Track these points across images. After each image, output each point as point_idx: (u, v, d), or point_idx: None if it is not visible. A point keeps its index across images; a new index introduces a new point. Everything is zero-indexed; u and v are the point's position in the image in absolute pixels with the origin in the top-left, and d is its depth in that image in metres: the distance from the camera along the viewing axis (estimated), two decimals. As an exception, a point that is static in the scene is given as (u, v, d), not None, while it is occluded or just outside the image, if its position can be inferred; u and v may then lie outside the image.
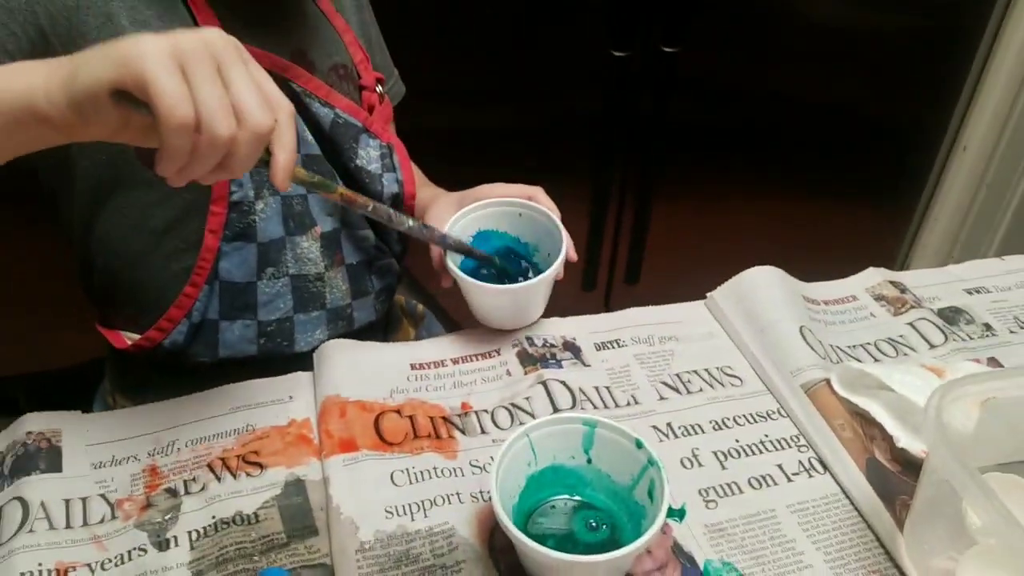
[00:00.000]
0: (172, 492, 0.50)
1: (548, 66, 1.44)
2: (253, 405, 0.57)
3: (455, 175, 0.78)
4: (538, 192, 0.66)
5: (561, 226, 0.62)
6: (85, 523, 0.48)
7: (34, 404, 0.83)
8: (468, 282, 0.60)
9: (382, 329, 0.78)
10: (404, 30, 0.80)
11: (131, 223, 0.61)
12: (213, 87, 0.39)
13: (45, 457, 0.51)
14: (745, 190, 1.68)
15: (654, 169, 1.59)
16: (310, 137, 0.65)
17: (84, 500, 0.50)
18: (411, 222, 0.58)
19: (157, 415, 0.56)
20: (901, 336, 0.66)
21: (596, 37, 1.41)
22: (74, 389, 0.82)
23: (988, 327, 0.68)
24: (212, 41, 0.40)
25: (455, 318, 0.90)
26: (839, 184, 1.70)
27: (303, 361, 0.65)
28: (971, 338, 0.66)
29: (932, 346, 0.65)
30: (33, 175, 0.67)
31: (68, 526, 0.48)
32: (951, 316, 0.68)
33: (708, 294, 0.69)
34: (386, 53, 0.78)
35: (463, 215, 0.64)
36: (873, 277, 0.72)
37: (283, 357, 0.66)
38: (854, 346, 0.65)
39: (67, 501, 0.49)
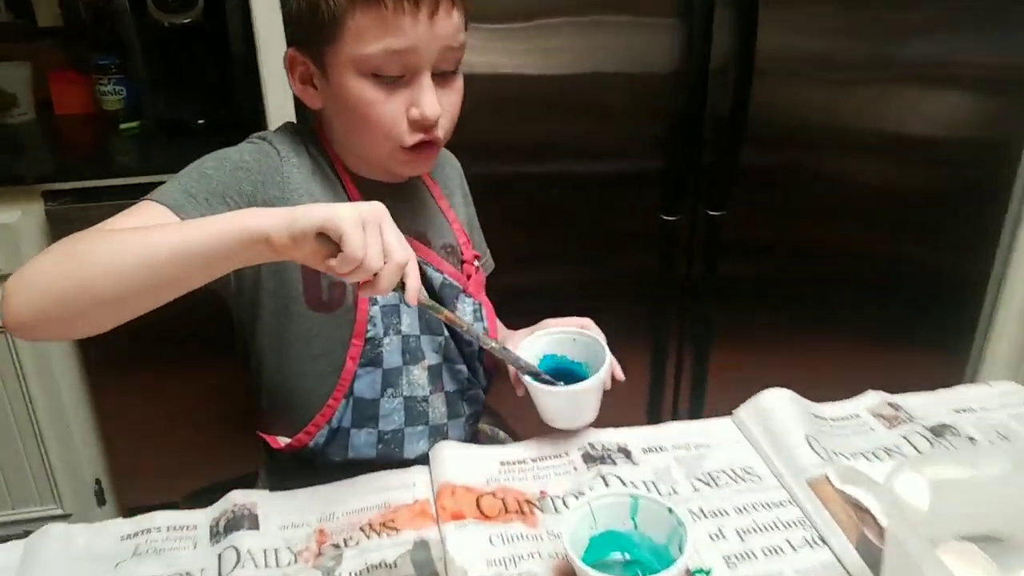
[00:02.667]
0: (336, 546, 0.72)
1: (609, 230, 1.69)
2: (388, 488, 0.79)
3: (531, 322, 1.02)
4: (588, 322, 0.90)
5: (606, 347, 0.85)
6: (277, 565, 0.70)
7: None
8: (534, 386, 0.83)
9: None
10: (494, 206, 1.08)
11: (296, 351, 0.87)
12: (376, 239, 0.66)
13: (248, 520, 0.74)
14: (798, 337, 1.85)
15: (708, 322, 1.79)
16: (424, 294, 0.91)
17: (275, 550, 0.72)
18: (493, 343, 0.83)
19: (322, 495, 0.79)
20: (895, 446, 0.84)
21: (650, 204, 1.67)
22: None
23: (971, 439, 0.85)
24: (377, 208, 0.68)
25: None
26: (889, 333, 1.86)
27: (408, 465, 0.87)
28: (955, 448, 0.84)
29: (920, 453, 0.83)
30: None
31: (266, 566, 0.70)
32: (939, 430, 0.86)
33: (733, 411, 0.89)
34: (482, 237, 1.05)
35: (530, 342, 0.88)
36: (873, 399, 0.91)
37: (394, 462, 0.88)
38: (855, 453, 0.83)
39: (264, 550, 0.71)
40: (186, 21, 1.67)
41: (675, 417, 1.87)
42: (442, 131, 0.83)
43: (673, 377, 1.83)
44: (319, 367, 0.87)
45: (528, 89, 1.49)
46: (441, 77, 0.81)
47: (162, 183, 0.80)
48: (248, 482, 1.00)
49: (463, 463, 0.81)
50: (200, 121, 1.77)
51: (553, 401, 0.84)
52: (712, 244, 1.70)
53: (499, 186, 1.52)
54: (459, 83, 0.84)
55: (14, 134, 1.87)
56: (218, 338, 1.69)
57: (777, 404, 0.86)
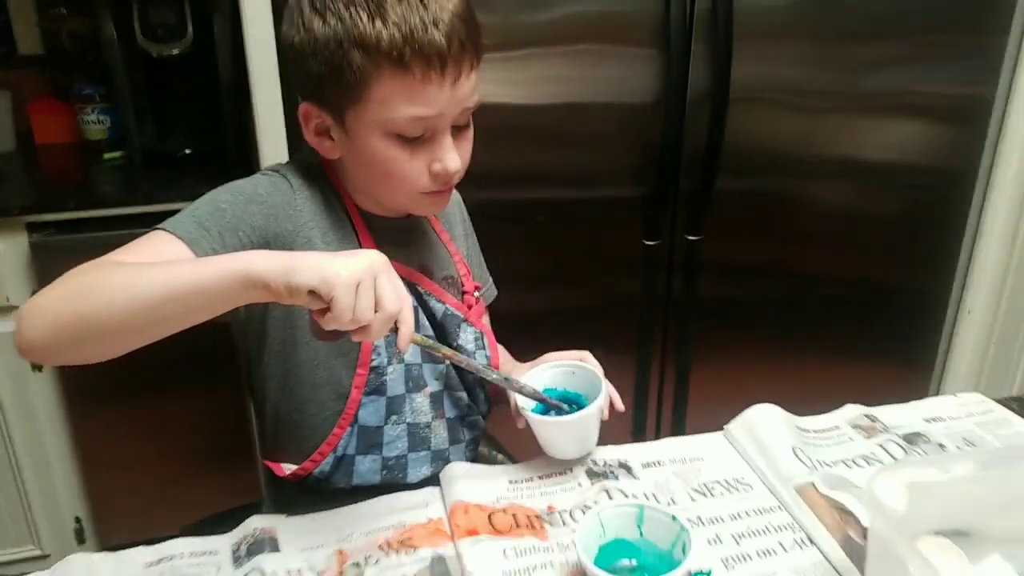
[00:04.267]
0: (356, 564, 0.77)
1: (592, 256, 1.76)
2: (402, 509, 0.84)
3: (521, 345, 1.08)
4: (586, 355, 0.95)
5: (603, 378, 0.90)
6: (302, 583, 0.75)
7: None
8: (534, 418, 0.88)
9: None
10: (483, 231, 1.14)
11: (299, 379, 0.91)
12: (368, 296, 0.69)
13: (269, 543, 0.79)
14: (774, 353, 1.93)
15: (688, 342, 1.86)
16: (427, 323, 0.96)
17: (299, 570, 0.76)
18: (494, 374, 0.88)
19: (339, 518, 0.83)
20: (872, 454, 0.91)
21: (632, 229, 1.74)
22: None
23: (941, 446, 0.93)
24: (375, 262, 0.71)
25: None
26: (858, 347, 1.95)
27: (411, 488, 0.92)
28: (927, 454, 0.91)
29: (895, 460, 0.90)
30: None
31: (291, 584, 0.74)
32: (912, 438, 0.94)
33: (725, 426, 0.96)
34: (484, 266, 1.11)
35: (532, 376, 0.93)
36: (852, 412, 0.99)
37: (398, 486, 0.92)
38: (836, 462, 0.90)
39: (288, 571, 0.76)
40: (175, 52, 1.71)
41: (658, 435, 1.94)
42: (458, 178, 0.88)
43: (656, 394, 1.90)
44: (324, 395, 0.91)
45: (515, 118, 1.55)
46: (457, 130, 0.86)
47: (146, 215, 0.83)
48: (248, 512, 1.03)
49: (473, 482, 0.87)
50: (187, 151, 1.80)
51: (554, 431, 0.89)
52: (691, 267, 1.79)
53: (487, 212, 1.58)
54: (471, 131, 0.89)
55: (-6, 165, 1.88)
56: (200, 370, 1.74)
57: (764, 418, 0.93)
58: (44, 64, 2.01)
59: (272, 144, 1.52)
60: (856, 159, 1.77)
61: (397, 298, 0.72)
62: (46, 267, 1.66)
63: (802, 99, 1.69)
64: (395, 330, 0.73)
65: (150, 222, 0.84)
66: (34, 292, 1.69)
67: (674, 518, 0.73)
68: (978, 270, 1.93)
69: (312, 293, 0.69)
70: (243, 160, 1.71)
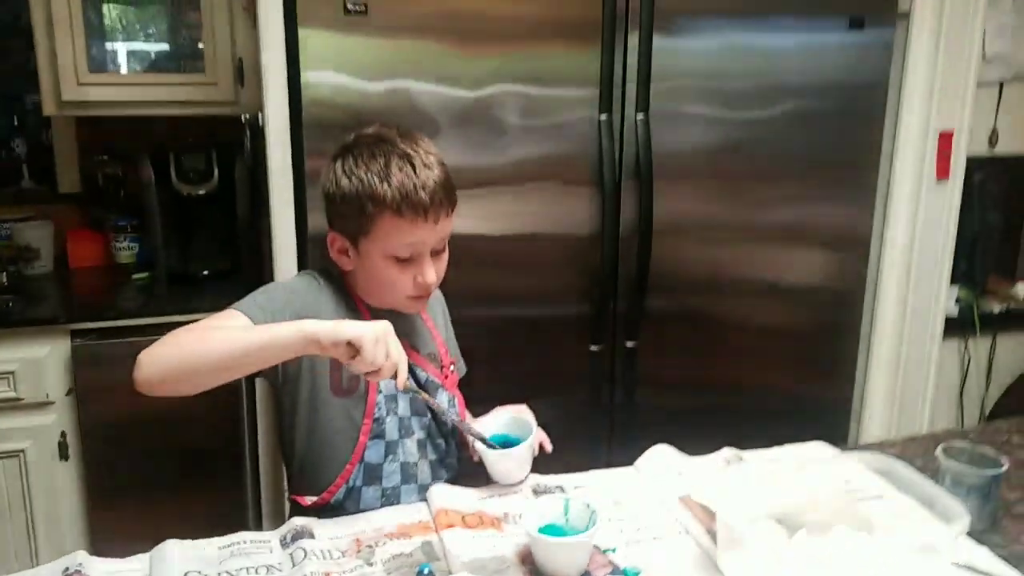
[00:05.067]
0: (369, 547, 1.13)
1: (546, 367, 2.10)
2: (400, 516, 1.22)
3: None
4: (523, 408, 1.36)
5: (534, 424, 1.30)
6: (332, 558, 1.11)
7: None
8: (483, 450, 1.27)
9: None
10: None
11: (323, 427, 1.28)
12: (383, 348, 1.09)
13: (307, 533, 1.15)
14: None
15: (631, 443, 2.20)
16: (414, 385, 1.36)
17: (329, 550, 1.12)
18: (455, 418, 1.28)
19: (355, 520, 1.21)
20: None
21: (580, 342, 2.11)
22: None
23: (790, 477, 1.33)
24: (388, 328, 1.11)
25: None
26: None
27: None
28: (778, 481, 1.31)
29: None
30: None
31: (324, 559, 1.10)
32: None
33: (635, 463, 1.35)
34: (457, 349, 1.52)
35: (483, 423, 1.33)
36: (727, 452, 1.39)
37: None
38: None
39: (321, 550, 1.12)
40: (202, 192, 2.16)
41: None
42: (435, 287, 1.31)
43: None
44: (339, 440, 1.29)
45: (475, 247, 1.93)
46: (435, 252, 1.28)
47: (173, 324, 1.17)
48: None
49: (452, 497, 1.25)
50: (205, 272, 2.22)
51: (498, 459, 1.28)
52: (631, 376, 2.15)
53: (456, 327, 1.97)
54: (447, 253, 1.32)
55: (35, 283, 2.29)
56: (205, 473, 2.13)
57: (662, 454, 1.34)
58: (81, 200, 2.45)
59: (285, 259, 1.89)
60: (762, 281, 2.21)
61: (400, 352, 1.12)
62: (83, 368, 2.03)
63: (713, 231, 2.14)
64: (395, 376, 1.12)
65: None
66: (70, 390, 2.06)
67: (588, 505, 1.12)
68: (873, 376, 2.36)
69: (348, 344, 1.08)
70: (256, 278, 2.13)
